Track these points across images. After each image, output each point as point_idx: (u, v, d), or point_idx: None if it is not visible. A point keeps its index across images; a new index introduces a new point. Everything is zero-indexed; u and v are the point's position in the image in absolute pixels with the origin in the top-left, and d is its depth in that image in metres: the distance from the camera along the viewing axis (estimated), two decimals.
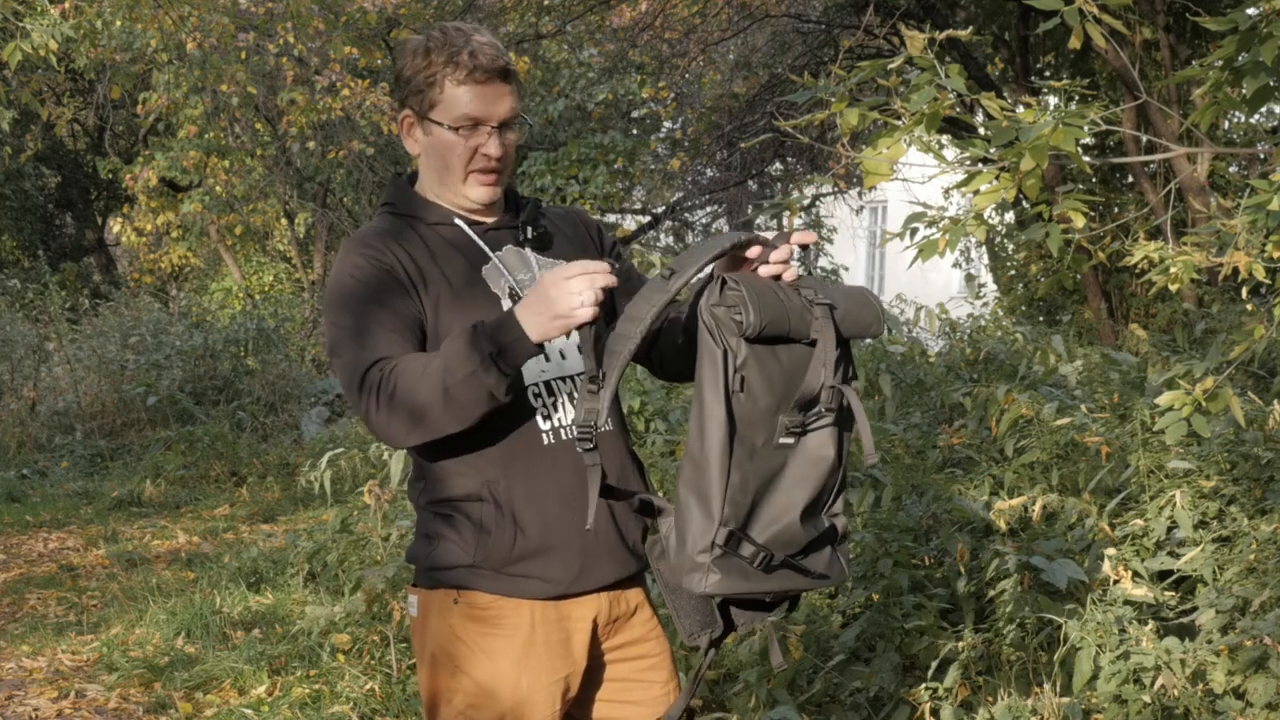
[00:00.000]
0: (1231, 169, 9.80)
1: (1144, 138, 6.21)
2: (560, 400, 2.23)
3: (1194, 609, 3.85)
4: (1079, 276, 10.22)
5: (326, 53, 12.20)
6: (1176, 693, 3.44)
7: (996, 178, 2.48)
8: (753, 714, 3.75)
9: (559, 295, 2.02)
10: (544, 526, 2.20)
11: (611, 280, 2.03)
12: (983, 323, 8.61)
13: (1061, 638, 3.70)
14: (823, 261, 17.92)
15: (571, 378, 2.26)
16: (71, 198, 20.67)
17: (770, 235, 2.09)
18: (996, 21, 10.62)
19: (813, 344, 2.03)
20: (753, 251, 2.08)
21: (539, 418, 2.22)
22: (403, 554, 5.20)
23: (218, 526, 8.06)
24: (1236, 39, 2.55)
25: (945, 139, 7.68)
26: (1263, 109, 7.48)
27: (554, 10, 12.25)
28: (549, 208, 2.43)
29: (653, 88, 14.14)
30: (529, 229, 2.32)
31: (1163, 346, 7.52)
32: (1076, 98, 2.83)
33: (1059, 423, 4.96)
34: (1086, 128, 2.40)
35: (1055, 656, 3.66)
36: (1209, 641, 3.59)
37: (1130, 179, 10.67)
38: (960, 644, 3.82)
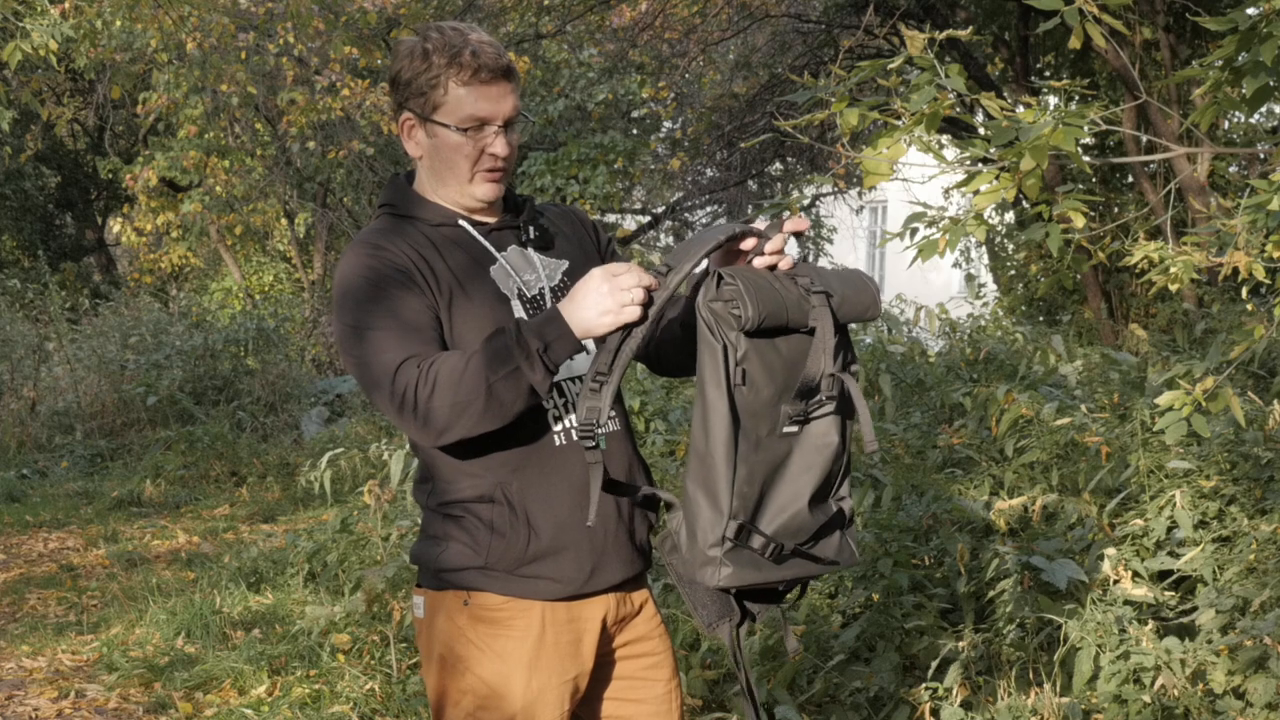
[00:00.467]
0: (1231, 169, 9.80)
1: (1144, 138, 6.21)
2: (571, 401, 2.23)
3: (1194, 609, 3.85)
4: (1079, 276, 10.23)
5: (326, 53, 12.21)
6: (1176, 693, 3.44)
7: (996, 178, 2.48)
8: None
9: (610, 292, 2.01)
10: (557, 527, 2.19)
11: (655, 282, 2.02)
12: (983, 323, 8.62)
13: (1061, 638, 3.70)
14: (823, 261, 17.95)
15: (582, 378, 2.25)
16: (71, 198, 20.68)
17: (763, 225, 2.09)
18: (996, 21, 10.62)
19: (812, 332, 2.04)
20: (747, 243, 2.09)
21: (551, 419, 2.21)
22: (403, 554, 5.20)
23: (218, 526, 8.06)
24: (1236, 39, 2.55)
25: (945, 139, 7.68)
26: (1263, 109, 7.48)
27: (554, 10, 12.25)
28: (544, 205, 2.42)
29: (653, 88, 14.14)
30: (531, 229, 2.32)
31: (1163, 346, 7.53)
32: (1076, 98, 2.83)
33: (1059, 423, 4.96)
34: (1086, 128, 2.40)
35: (1055, 656, 3.66)
36: (1209, 641, 3.59)
37: (1130, 179, 10.67)
38: (960, 644, 3.82)
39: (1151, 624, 3.68)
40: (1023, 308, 11.67)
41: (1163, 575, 4.16)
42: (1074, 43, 2.69)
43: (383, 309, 2.15)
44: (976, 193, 2.51)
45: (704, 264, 2.07)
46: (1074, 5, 2.48)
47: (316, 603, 5.57)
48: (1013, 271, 12.01)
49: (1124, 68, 8.16)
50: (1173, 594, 4.02)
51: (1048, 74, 11.31)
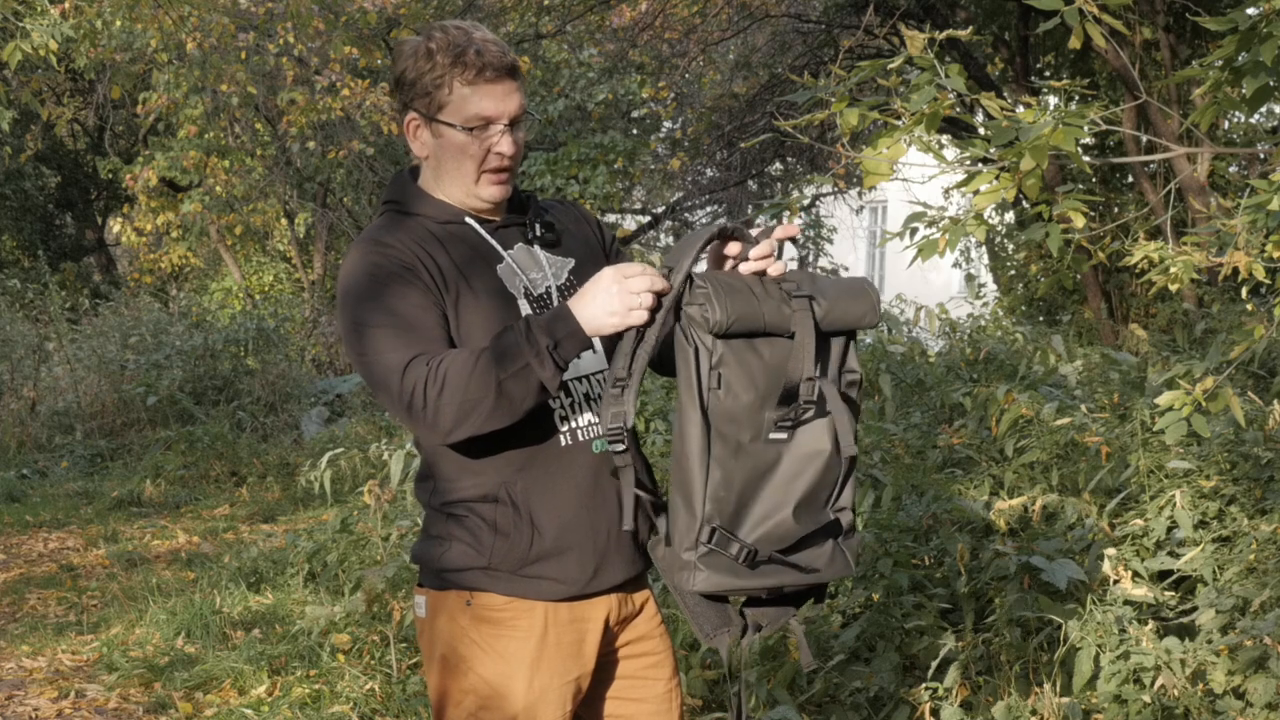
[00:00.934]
0: (1231, 169, 9.80)
1: (1144, 138, 6.21)
2: (577, 401, 2.22)
3: (1194, 609, 3.85)
4: (1079, 276, 10.23)
5: (326, 53, 12.21)
6: (1176, 693, 3.44)
7: (996, 178, 2.48)
8: (753, 714, 3.75)
9: (619, 294, 2.01)
10: (561, 528, 2.19)
11: (666, 286, 2.02)
12: (983, 323, 8.61)
13: (1061, 638, 3.70)
14: (823, 261, 17.95)
15: (587, 378, 2.24)
16: (71, 198, 20.67)
17: (753, 231, 2.09)
18: (996, 21, 10.62)
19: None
20: (732, 249, 2.09)
21: (557, 419, 2.20)
22: (403, 554, 5.20)
23: (218, 526, 8.06)
24: (1236, 39, 2.55)
25: (945, 139, 7.68)
26: (1263, 109, 7.48)
27: (554, 10, 12.25)
28: (548, 201, 2.41)
29: (653, 88, 14.14)
30: (538, 226, 2.31)
31: (1163, 346, 7.53)
32: (1076, 98, 2.83)
33: (1059, 423, 4.96)
34: (1086, 128, 2.40)
35: (1055, 656, 3.66)
36: (1209, 641, 3.59)
37: (1130, 179, 10.67)
38: (960, 644, 3.82)
39: (1151, 624, 3.67)
40: (1023, 308, 11.68)
41: (1163, 575, 4.16)
42: (1074, 43, 2.69)
43: (388, 306, 2.14)
44: (976, 193, 2.51)
45: (701, 263, 2.08)
46: (1074, 5, 2.48)
47: (316, 603, 5.57)
48: (1013, 271, 12.02)
49: (1124, 68, 8.16)
50: (1173, 594, 4.02)
51: (1048, 74, 11.31)
